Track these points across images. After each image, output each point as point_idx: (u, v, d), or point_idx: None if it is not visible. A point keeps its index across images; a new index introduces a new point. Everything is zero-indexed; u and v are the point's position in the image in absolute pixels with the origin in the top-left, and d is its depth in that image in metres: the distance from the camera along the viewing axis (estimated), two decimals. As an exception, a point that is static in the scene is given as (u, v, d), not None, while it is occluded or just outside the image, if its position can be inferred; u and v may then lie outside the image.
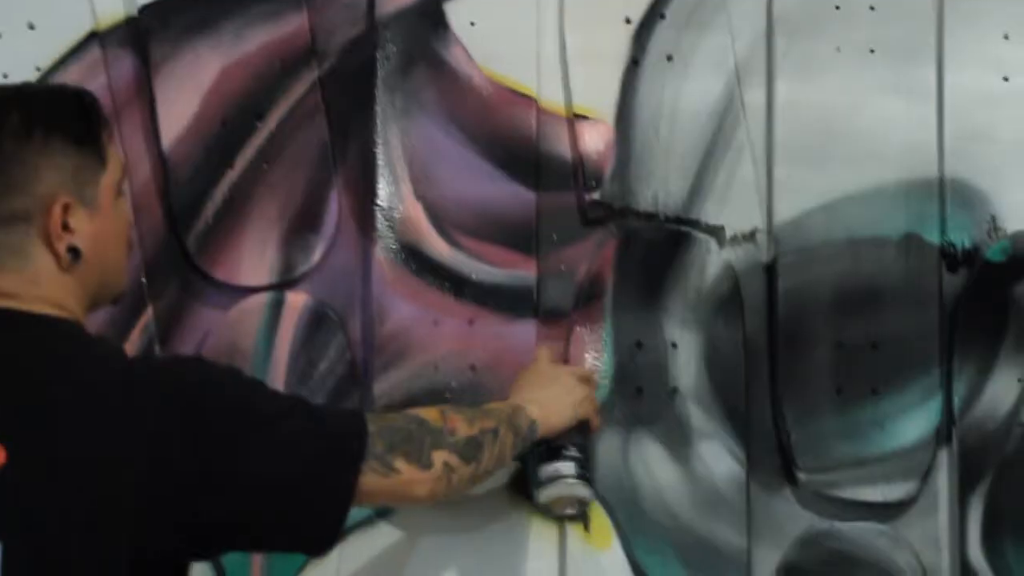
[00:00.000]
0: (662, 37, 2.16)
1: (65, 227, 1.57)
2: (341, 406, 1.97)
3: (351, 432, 1.67)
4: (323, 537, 1.64)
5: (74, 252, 1.58)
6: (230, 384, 1.63)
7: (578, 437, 1.97)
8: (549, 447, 1.95)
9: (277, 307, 2.05)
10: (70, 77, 2.03)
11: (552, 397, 1.95)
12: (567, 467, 1.96)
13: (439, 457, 1.72)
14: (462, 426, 1.77)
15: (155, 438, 1.51)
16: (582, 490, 1.97)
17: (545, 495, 1.97)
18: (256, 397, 1.64)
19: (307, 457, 1.61)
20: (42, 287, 1.57)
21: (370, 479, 1.66)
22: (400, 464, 1.68)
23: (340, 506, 1.63)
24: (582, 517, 2.08)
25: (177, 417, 1.53)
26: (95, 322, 1.98)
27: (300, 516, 1.62)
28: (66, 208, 1.57)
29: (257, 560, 2.03)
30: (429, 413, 1.77)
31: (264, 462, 1.57)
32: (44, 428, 1.49)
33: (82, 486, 1.49)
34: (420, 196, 2.10)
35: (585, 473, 1.98)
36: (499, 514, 2.09)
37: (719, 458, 2.13)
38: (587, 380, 2.03)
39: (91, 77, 2.04)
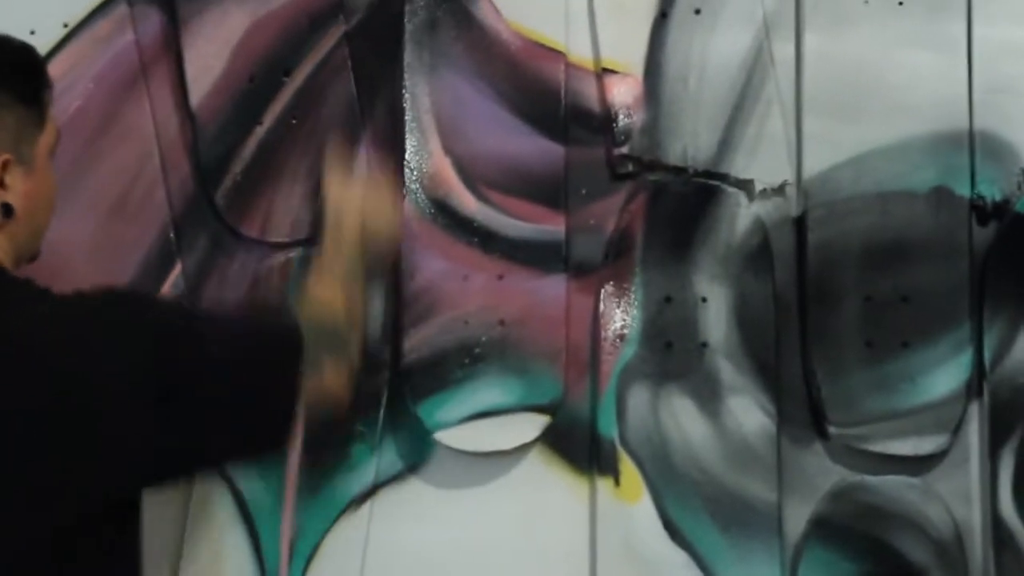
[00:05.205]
0: (690, -10, 2.15)
1: (1, 183, 1.56)
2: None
3: (290, 330, 1.66)
4: (279, 437, 1.65)
5: (6, 208, 1.56)
6: (176, 310, 1.66)
7: None
8: None
9: (306, 263, 2.05)
10: (98, 33, 2.04)
11: None
12: None
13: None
14: None
15: (116, 369, 1.49)
16: None
17: None
18: (201, 320, 1.65)
19: (256, 364, 1.60)
20: None
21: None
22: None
23: (291, 401, 1.62)
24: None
25: (137, 348, 1.50)
26: (124, 275, 2.02)
27: (254, 421, 1.61)
28: (4, 164, 1.55)
29: (288, 517, 2.05)
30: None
31: (219, 374, 1.56)
32: None
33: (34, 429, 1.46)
34: (448, 151, 2.09)
35: None
36: (529, 468, 2.10)
37: (749, 412, 2.13)
38: None
39: (119, 33, 2.06)
